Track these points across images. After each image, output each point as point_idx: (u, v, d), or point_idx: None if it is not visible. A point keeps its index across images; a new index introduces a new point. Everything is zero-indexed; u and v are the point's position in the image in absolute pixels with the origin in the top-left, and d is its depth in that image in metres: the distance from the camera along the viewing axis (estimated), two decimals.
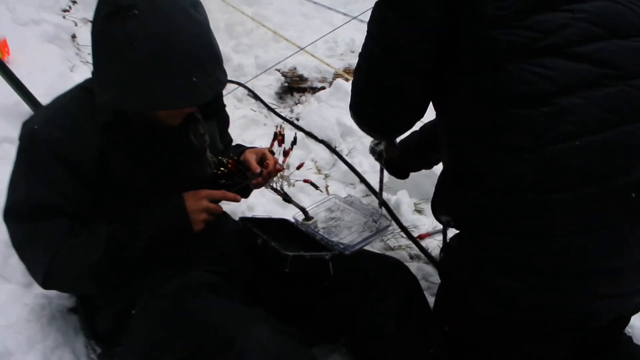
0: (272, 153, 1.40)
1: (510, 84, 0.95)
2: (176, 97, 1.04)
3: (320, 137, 2.58)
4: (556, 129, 0.90)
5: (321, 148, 2.54)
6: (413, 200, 2.30)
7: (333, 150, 2.50)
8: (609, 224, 0.92)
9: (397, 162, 1.77)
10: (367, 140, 2.54)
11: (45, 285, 1.16)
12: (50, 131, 1.11)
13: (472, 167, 1.03)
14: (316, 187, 1.55)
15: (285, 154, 1.39)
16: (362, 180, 2.30)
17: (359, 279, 1.30)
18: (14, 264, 1.45)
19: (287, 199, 1.46)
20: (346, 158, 2.45)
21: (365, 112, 1.23)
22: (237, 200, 1.30)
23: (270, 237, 1.33)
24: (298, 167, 1.49)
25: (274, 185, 1.43)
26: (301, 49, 3.28)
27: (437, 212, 1.18)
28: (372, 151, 1.82)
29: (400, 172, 1.81)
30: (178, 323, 1.05)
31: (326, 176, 2.42)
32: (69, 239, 1.12)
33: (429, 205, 1.29)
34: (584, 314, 1.02)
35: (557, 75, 0.92)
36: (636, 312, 1.17)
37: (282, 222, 1.55)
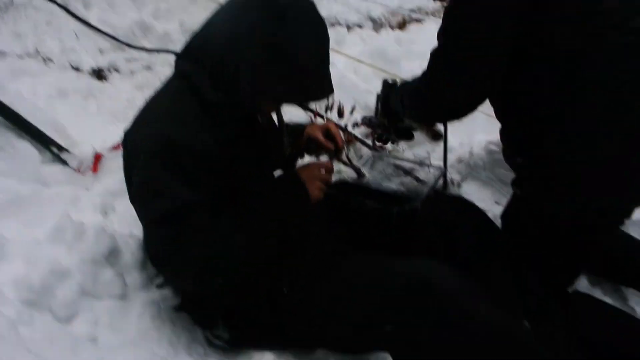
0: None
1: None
2: (322, 92, 1.21)
3: None
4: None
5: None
6: None
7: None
8: None
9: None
10: None
11: (199, 281, 1.18)
12: (183, 133, 1.15)
13: (555, 115, 1.30)
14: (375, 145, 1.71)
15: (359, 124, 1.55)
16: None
17: (443, 218, 1.54)
18: (107, 280, 1.41)
19: (350, 164, 1.62)
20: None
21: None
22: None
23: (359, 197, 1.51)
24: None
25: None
26: None
27: (512, 156, 1.48)
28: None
29: (408, 134, 2.02)
30: (362, 280, 1.21)
31: None
32: (217, 231, 1.17)
33: None
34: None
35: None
36: None
37: (343, 183, 1.71)
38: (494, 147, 2.39)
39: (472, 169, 2.43)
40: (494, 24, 1.27)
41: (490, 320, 1.14)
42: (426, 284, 1.15)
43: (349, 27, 3.80)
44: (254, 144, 1.32)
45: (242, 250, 1.17)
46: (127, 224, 1.71)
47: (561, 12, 1.25)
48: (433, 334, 1.14)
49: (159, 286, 1.49)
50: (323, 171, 1.32)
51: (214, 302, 1.37)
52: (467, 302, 1.15)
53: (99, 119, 2.40)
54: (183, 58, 1.26)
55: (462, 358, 1.15)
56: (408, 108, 1.57)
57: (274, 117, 1.51)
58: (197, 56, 1.21)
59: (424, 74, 1.46)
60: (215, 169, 1.19)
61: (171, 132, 1.15)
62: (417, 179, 1.68)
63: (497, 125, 2.57)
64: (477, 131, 2.71)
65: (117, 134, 2.22)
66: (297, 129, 1.59)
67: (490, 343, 1.13)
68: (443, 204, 1.61)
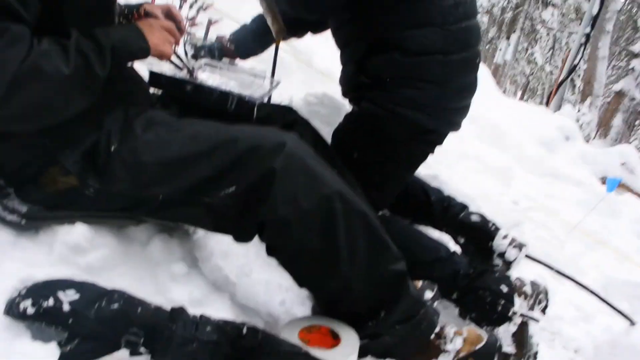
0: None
1: None
2: None
3: None
4: (455, 14, 1.47)
5: None
6: None
7: None
8: (470, 74, 1.58)
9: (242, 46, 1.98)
10: None
11: (6, 97, 0.97)
12: None
13: (397, 38, 1.49)
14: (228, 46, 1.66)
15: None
16: None
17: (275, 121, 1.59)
18: None
19: (185, 61, 1.55)
20: None
21: None
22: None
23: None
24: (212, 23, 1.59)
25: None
26: None
27: (354, 76, 1.61)
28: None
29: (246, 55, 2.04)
30: (204, 140, 1.16)
31: None
32: (38, 47, 1.01)
33: None
34: (447, 133, 1.69)
35: None
36: None
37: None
38: (312, 99, 2.58)
39: None
40: None
41: (338, 186, 1.16)
42: (280, 144, 1.14)
43: None
44: None
45: (64, 71, 1.02)
46: None
47: None
48: (280, 195, 1.11)
49: None
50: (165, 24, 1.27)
51: (11, 155, 1.17)
52: (317, 166, 1.17)
53: None
54: None
55: (307, 221, 1.12)
56: None
57: None
58: None
59: None
60: None
61: None
62: None
63: (316, 81, 2.74)
64: (297, 85, 2.88)
65: None
66: (133, 6, 1.47)
67: (338, 204, 1.13)
68: (279, 111, 1.66)
